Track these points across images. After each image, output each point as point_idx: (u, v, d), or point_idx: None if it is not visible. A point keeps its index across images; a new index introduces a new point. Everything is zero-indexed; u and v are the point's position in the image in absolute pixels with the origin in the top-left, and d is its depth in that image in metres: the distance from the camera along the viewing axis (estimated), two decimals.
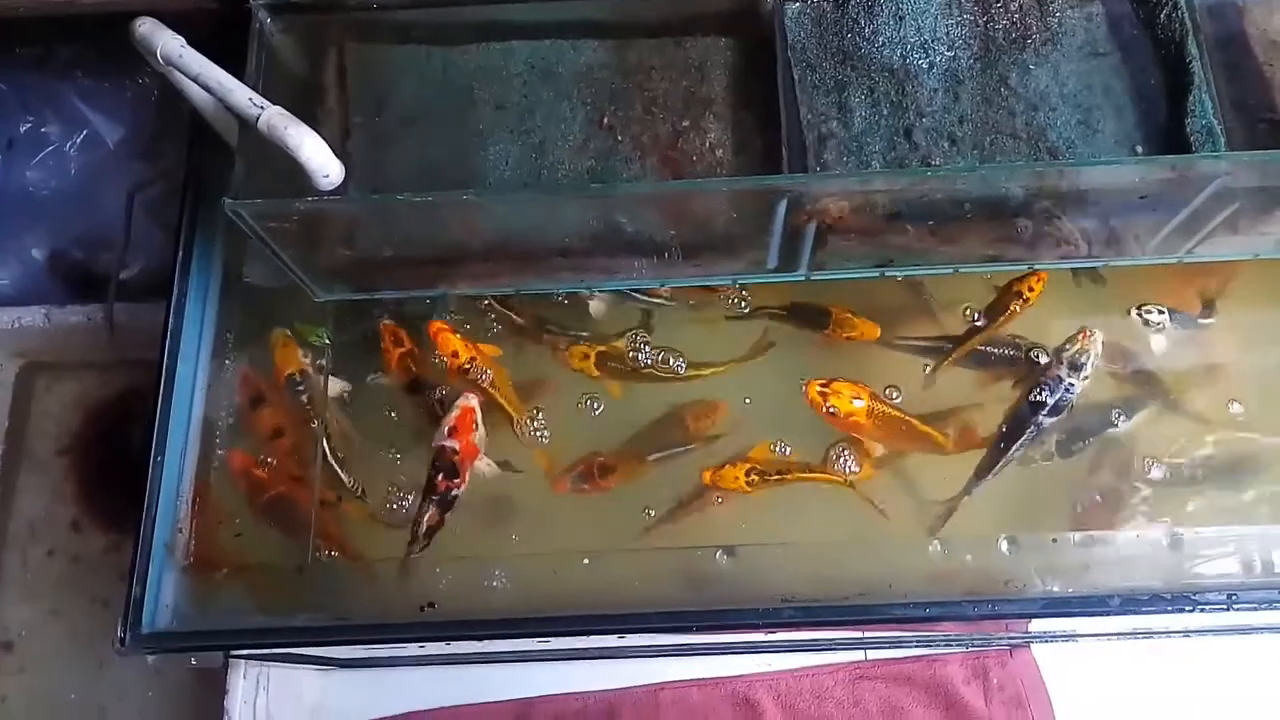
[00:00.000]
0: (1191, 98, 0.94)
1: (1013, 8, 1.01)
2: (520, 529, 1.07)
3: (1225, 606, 0.96)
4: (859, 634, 1.55)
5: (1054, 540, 1.02)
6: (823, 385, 1.05)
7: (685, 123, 1.02)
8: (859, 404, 1.04)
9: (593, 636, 1.02)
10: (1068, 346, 1.09)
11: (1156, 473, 1.07)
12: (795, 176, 0.93)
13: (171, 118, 1.36)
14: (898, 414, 1.07)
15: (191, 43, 0.97)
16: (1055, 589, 1.00)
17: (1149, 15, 0.99)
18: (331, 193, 0.93)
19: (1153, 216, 1.00)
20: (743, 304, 1.16)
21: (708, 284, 1.13)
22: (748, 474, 1.06)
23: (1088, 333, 1.09)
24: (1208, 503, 1.06)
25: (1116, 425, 1.09)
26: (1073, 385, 1.07)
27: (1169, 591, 0.98)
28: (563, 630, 0.98)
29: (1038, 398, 1.07)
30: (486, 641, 1.09)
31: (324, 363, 1.15)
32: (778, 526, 1.06)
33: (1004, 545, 1.02)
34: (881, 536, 1.05)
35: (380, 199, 0.96)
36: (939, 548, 1.02)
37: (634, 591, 1.02)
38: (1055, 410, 1.07)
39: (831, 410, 1.03)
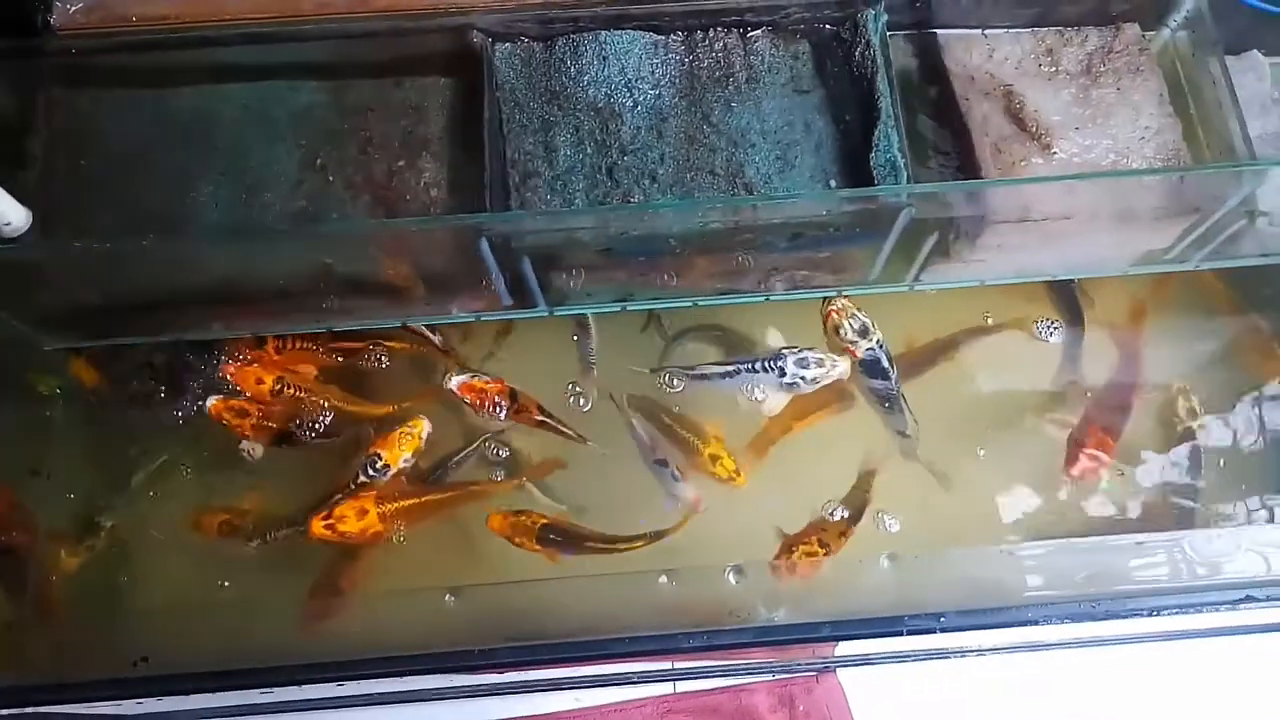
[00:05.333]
0: (877, 133, 0.96)
1: (717, 47, 1.03)
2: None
3: (935, 630, 0.98)
4: (668, 665, 1.56)
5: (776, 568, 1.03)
6: (324, 519, 1.01)
7: (401, 162, 1.02)
8: (366, 515, 1.02)
9: (308, 685, 0.99)
10: (840, 329, 1.08)
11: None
12: (480, 216, 0.94)
13: None
14: (414, 500, 1.05)
15: None
16: (778, 617, 1.00)
17: (846, 53, 1.02)
18: (10, 241, 0.91)
19: (858, 248, 1.02)
20: None
21: (449, 322, 1.13)
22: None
23: (834, 307, 1.09)
24: (924, 526, 1.08)
25: None
26: (881, 343, 1.08)
27: (886, 613, 0.99)
28: (265, 683, 0.96)
29: (874, 374, 1.08)
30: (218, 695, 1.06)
31: None
32: (509, 564, 1.05)
33: (730, 576, 1.03)
34: (612, 571, 1.04)
35: (52, 246, 0.94)
36: (667, 580, 1.02)
37: (358, 636, 1.00)
38: (892, 364, 1.09)
39: (346, 534, 1.01)
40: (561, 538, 1.05)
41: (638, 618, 1.01)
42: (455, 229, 0.95)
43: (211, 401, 1.07)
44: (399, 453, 1.06)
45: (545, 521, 1.05)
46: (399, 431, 1.07)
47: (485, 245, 0.95)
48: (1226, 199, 0.98)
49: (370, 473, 1.05)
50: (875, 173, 0.95)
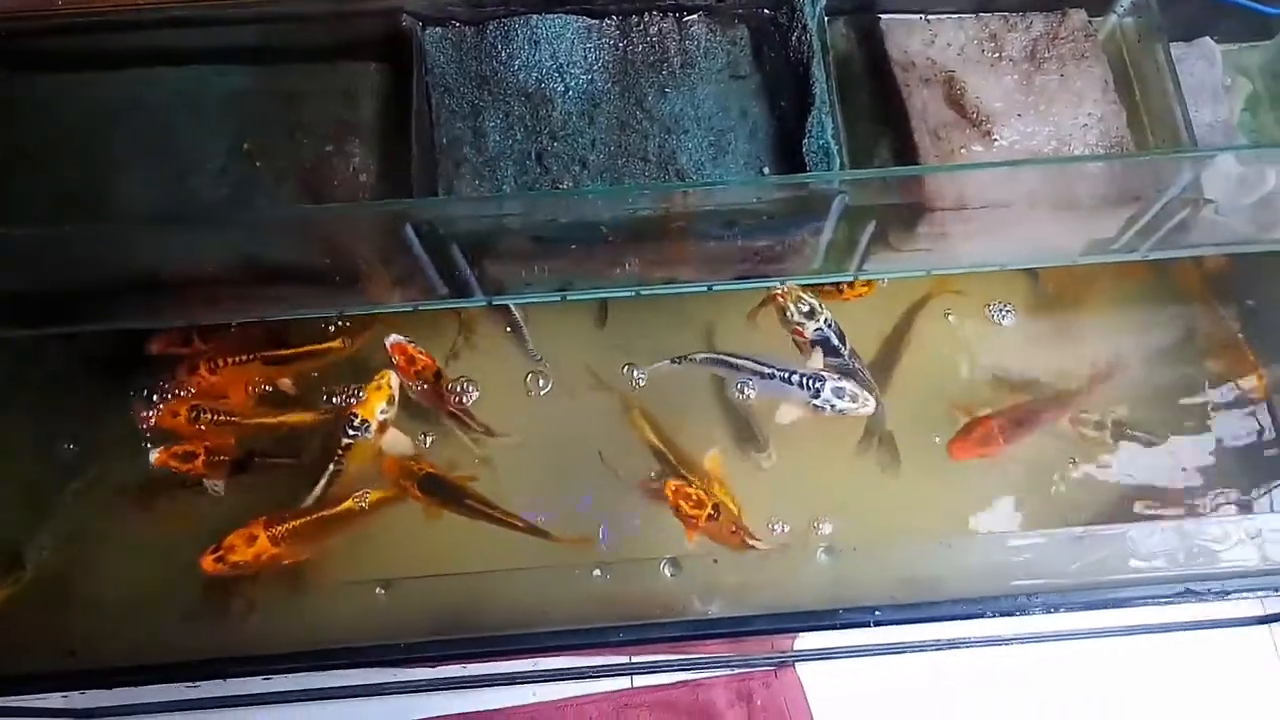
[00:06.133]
0: (811, 119, 0.95)
1: (652, 31, 1.01)
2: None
3: (869, 623, 0.96)
4: (625, 659, 1.54)
5: (715, 561, 1.02)
6: (214, 553, 0.97)
7: (330, 148, 1.00)
8: (256, 541, 0.99)
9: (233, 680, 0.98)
10: (788, 311, 1.07)
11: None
12: (403, 201, 0.92)
13: None
14: (300, 520, 1.01)
15: None
16: (712, 611, 0.99)
17: (783, 38, 1.01)
18: None
19: (797, 235, 1.00)
20: None
21: (382, 311, 1.11)
22: None
23: (779, 292, 1.07)
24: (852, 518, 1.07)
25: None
26: (830, 321, 1.07)
27: (821, 606, 0.98)
28: (189, 676, 0.94)
29: (828, 352, 1.08)
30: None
31: None
32: (440, 558, 1.03)
33: (666, 569, 1.01)
34: (544, 564, 1.03)
35: None
36: (600, 574, 1.01)
37: (286, 629, 0.98)
38: (843, 340, 1.08)
39: (238, 563, 0.98)
40: (442, 491, 1.04)
41: (570, 611, 0.99)
42: (379, 215, 0.94)
43: (155, 454, 1.05)
44: (374, 407, 1.04)
45: (430, 471, 1.04)
46: (368, 388, 1.05)
47: (410, 232, 0.93)
48: (1167, 187, 0.96)
49: (351, 432, 1.03)
50: (808, 159, 0.94)
